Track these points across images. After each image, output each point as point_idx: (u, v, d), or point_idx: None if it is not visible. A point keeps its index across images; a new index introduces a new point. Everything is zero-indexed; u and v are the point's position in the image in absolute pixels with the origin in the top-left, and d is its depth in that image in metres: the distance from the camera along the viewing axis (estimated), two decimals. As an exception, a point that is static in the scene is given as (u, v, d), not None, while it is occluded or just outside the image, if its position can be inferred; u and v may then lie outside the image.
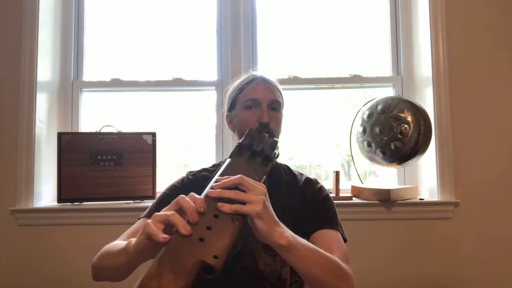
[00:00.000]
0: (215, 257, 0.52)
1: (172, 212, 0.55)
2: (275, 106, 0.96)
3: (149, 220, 0.56)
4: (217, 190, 0.60)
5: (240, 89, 0.99)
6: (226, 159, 0.75)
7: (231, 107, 1.01)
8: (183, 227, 0.53)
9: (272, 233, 0.62)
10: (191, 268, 0.51)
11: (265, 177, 0.73)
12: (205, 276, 0.52)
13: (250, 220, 0.61)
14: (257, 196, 0.61)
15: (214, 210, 0.58)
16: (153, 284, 0.49)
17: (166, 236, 0.53)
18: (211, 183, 0.64)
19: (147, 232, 0.55)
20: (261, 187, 0.64)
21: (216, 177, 0.66)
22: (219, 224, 0.56)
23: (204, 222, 0.55)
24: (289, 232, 0.66)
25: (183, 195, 0.58)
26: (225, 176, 0.64)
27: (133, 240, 0.61)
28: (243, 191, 0.61)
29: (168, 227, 0.55)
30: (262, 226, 0.61)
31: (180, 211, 0.56)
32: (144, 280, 0.50)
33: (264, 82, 0.98)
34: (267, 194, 0.64)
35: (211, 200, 0.59)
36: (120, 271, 0.70)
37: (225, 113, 1.05)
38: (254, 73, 1.03)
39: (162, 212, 0.57)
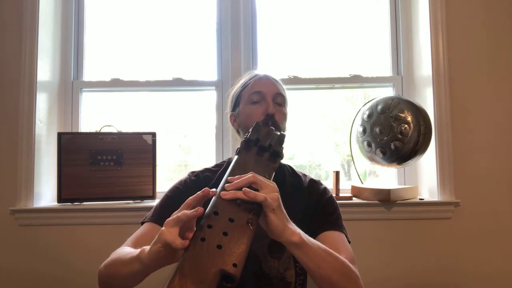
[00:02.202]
0: (234, 265, 0.51)
1: (182, 212, 0.57)
2: (279, 100, 0.97)
3: (163, 228, 0.56)
4: (230, 191, 0.60)
5: (244, 86, 0.99)
6: (230, 158, 0.74)
7: (235, 105, 1.01)
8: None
9: (286, 230, 0.63)
10: (212, 278, 0.50)
11: (274, 173, 0.72)
12: (224, 285, 0.52)
13: (264, 218, 0.61)
14: (272, 193, 0.61)
15: (229, 214, 0.57)
16: None
17: (184, 241, 0.53)
18: (222, 183, 0.63)
19: (163, 240, 0.55)
20: (273, 185, 0.64)
21: (227, 176, 0.65)
22: (235, 230, 0.55)
23: (220, 227, 0.55)
24: (300, 230, 0.66)
25: (191, 197, 0.60)
26: (237, 176, 0.63)
27: (146, 248, 0.60)
28: (256, 190, 0.61)
29: (183, 230, 0.56)
30: (276, 222, 0.61)
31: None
32: None
33: (267, 78, 1.00)
34: (279, 192, 0.64)
35: (224, 202, 0.58)
36: (131, 280, 0.70)
37: (229, 114, 1.05)
38: (256, 72, 1.04)
39: (173, 216, 0.57)
